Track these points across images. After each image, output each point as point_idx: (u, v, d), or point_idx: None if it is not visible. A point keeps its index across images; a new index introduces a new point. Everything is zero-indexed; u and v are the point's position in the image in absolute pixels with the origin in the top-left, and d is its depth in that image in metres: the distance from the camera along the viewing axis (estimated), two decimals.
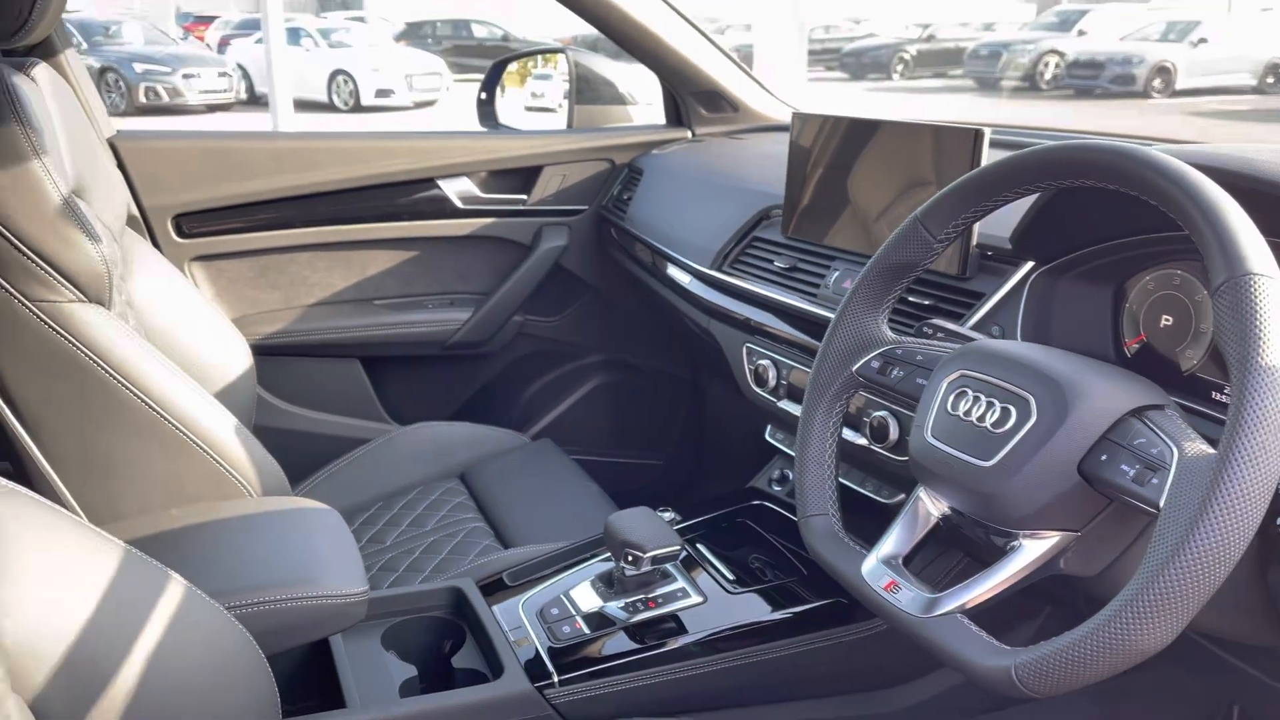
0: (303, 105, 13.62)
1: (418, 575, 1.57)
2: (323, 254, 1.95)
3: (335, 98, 14.13)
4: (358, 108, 13.85)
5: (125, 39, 14.81)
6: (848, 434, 1.20)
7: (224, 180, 1.85)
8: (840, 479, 1.02)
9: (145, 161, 1.79)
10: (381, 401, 2.05)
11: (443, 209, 1.99)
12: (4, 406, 1.15)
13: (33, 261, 1.13)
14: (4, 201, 1.11)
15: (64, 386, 1.16)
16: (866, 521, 1.09)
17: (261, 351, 1.90)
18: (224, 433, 1.26)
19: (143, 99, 13.10)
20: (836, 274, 1.38)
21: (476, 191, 2.02)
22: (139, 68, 13.29)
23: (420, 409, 2.04)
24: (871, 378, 1.00)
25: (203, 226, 1.86)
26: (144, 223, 1.80)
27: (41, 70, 1.44)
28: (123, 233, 1.60)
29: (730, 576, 1.34)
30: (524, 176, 2.04)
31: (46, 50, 1.63)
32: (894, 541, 0.93)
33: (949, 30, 17.55)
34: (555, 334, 2.16)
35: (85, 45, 13.68)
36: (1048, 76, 13.93)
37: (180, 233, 1.85)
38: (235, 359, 1.67)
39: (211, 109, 13.47)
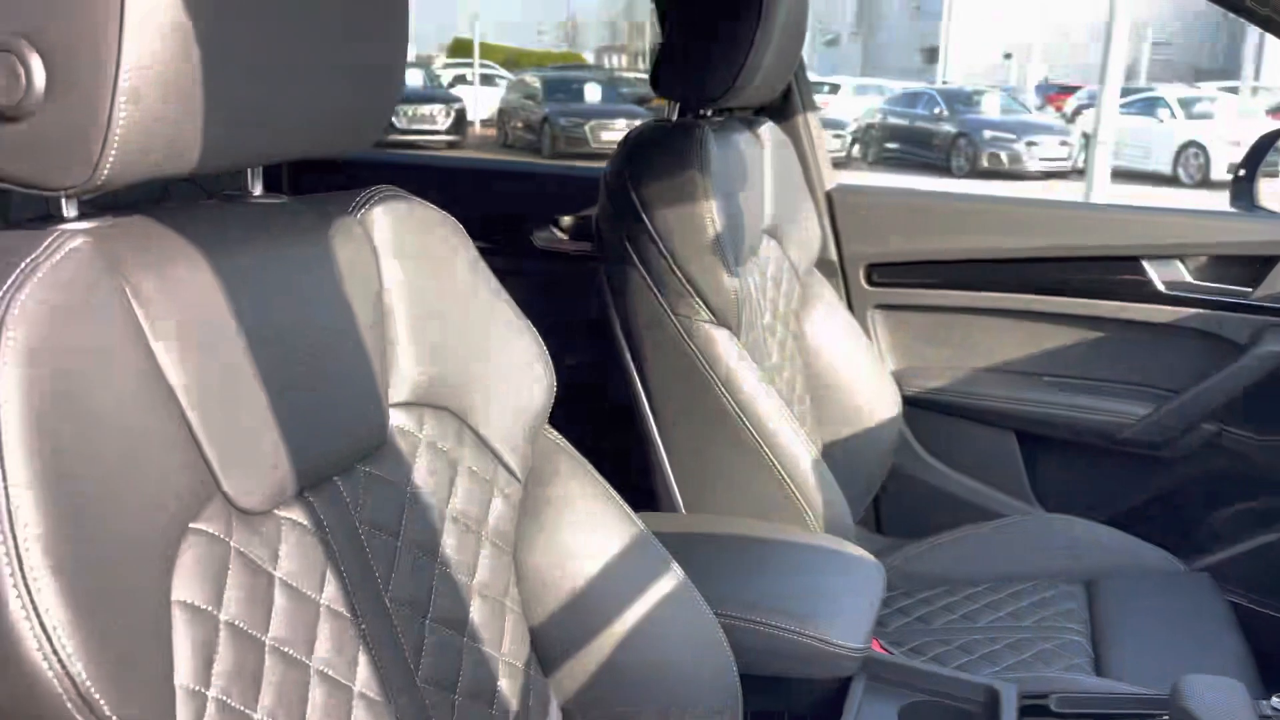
0: (1141, 177, 13.09)
1: (989, 666, 1.48)
2: (999, 320, 1.92)
3: (1181, 171, 13.27)
4: (1204, 182, 12.81)
5: (984, 108, 15.86)
6: None
7: (920, 236, 1.93)
8: None
9: (854, 212, 1.97)
10: (1030, 481, 1.94)
11: (1141, 292, 1.80)
12: (641, 393, 1.40)
13: (682, 284, 1.36)
14: (672, 230, 1.35)
15: (684, 388, 1.37)
16: None
17: (918, 404, 1.95)
18: (802, 464, 1.35)
19: (985, 163, 13.92)
20: None
21: (1187, 277, 1.79)
22: (987, 134, 14.14)
23: (1069, 500, 1.88)
24: None
25: (891, 278, 1.98)
26: (840, 267, 1.98)
27: (766, 129, 1.69)
28: (809, 272, 1.80)
29: None
30: (1253, 267, 1.74)
31: (785, 111, 1.90)
32: None
33: None
34: (1260, 455, 1.79)
35: (946, 111, 15.01)
36: None
37: (869, 280, 1.99)
38: (884, 403, 1.76)
39: (1047, 175, 13.72)
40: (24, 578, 0.51)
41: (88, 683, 0.53)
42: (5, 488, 0.52)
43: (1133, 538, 1.72)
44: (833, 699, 1.26)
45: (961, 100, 15.95)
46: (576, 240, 2.05)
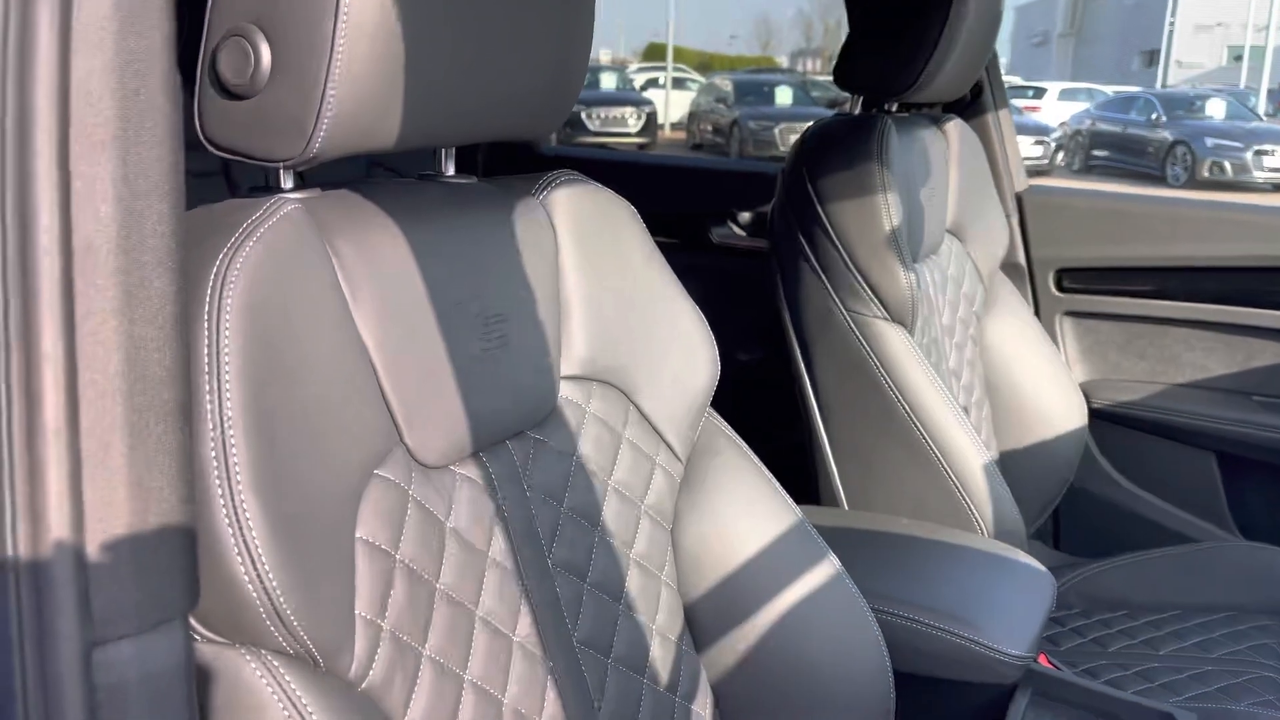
0: None
1: (1169, 695, 1.40)
2: (1203, 333, 1.80)
3: None
4: None
5: (1208, 113, 14.75)
6: None
7: (1114, 241, 1.84)
8: None
9: (1046, 215, 1.89)
10: (1230, 507, 1.81)
11: None
12: (809, 387, 1.40)
13: (855, 278, 1.35)
14: (848, 222, 1.35)
15: (853, 386, 1.36)
16: None
17: (1107, 417, 1.85)
18: (974, 469, 1.32)
19: (1205, 173, 12.94)
20: None
21: None
22: (1210, 142, 13.14)
23: (1273, 529, 1.74)
24: None
25: (1082, 284, 1.89)
26: (1028, 271, 1.91)
27: (954, 126, 1.65)
28: (995, 275, 1.74)
29: None
30: None
31: (975, 109, 1.84)
32: None
33: None
34: None
35: (1164, 117, 14.05)
36: None
37: (1059, 286, 1.91)
38: (1070, 415, 1.69)
39: (1276, 188, 12.61)
40: (232, 497, 0.58)
41: (281, 597, 0.59)
42: (222, 421, 0.59)
43: None
44: (993, 711, 1.23)
45: (1182, 105, 14.89)
46: (753, 236, 2.06)
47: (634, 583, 0.93)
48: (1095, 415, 1.84)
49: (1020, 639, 1.09)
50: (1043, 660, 1.29)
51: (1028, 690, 1.25)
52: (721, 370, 1.00)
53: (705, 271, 1.76)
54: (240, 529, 0.58)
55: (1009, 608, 1.14)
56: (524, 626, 0.81)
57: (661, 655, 0.94)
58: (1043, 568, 1.23)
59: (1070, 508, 1.86)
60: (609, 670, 0.88)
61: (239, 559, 0.58)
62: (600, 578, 0.89)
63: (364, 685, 0.67)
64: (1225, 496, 1.82)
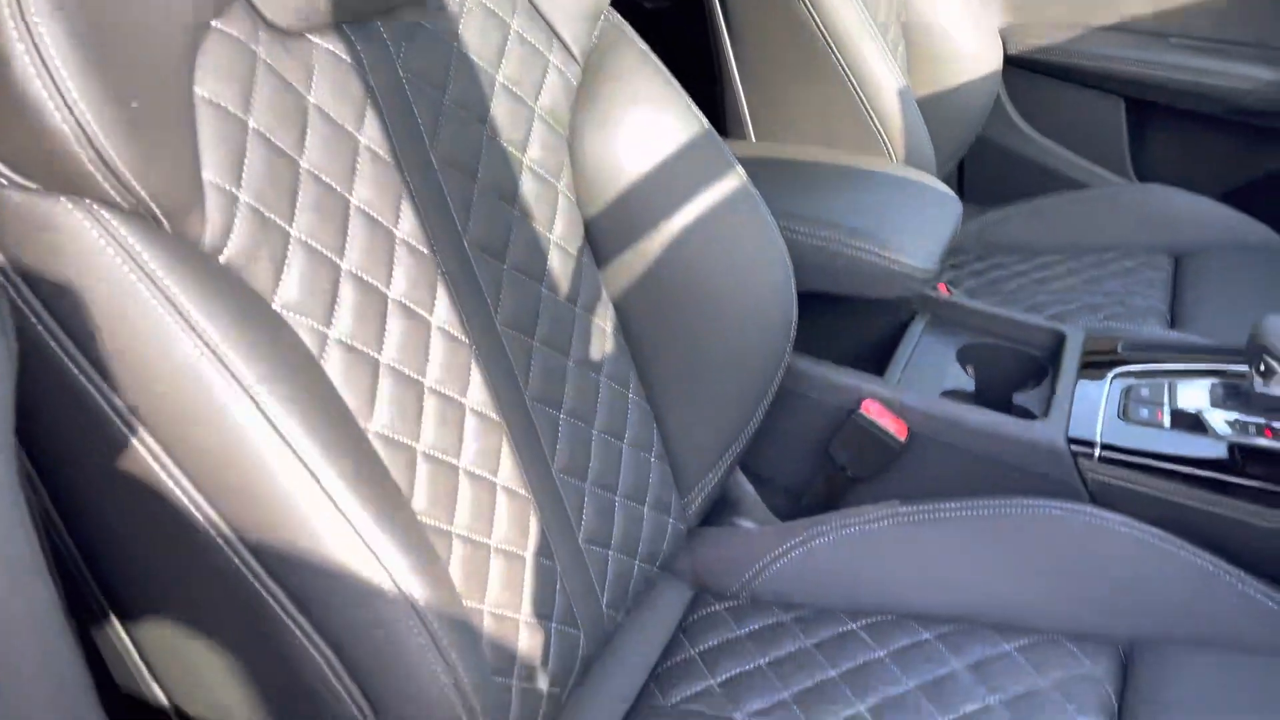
0: None
1: (1046, 310, 1.44)
2: None
3: None
4: None
5: None
6: None
7: None
8: None
9: None
10: (1133, 153, 1.81)
11: None
12: (719, 10, 1.30)
13: None
14: None
15: (768, 7, 1.26)
16: None
17: (1024, 64, 1.80)
18: (890, 100, 1.26)
19: None
20: None
21: None
22: None
23: (1173, 175, 1.75)
24: None
25: None
26: None
27: None
28: None
29: None
30: None
31: None
32: None
33: None
34: None
35: None
36: None
37: None
38: (983, 59, 1.63)
39: None
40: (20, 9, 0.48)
41: (101, 135, 0.51)
42: None
43: (1237, 212, 1.61)
44: (891, 334, 1.24)
45: None
46: None
47: (529, 188, 0.86)
48: (1010, 62, 1.78)
49: (924, 253, 1.08)
50: (941, 289, 1.30)
51: (925, 315, 1.27)
52: None
53: None
54: (36, 48, 0.49)
55: (914, 225, 1.13)
56: (408, 222, 0.75)
57: (560, 266, 0.89)
58: (950, 190, 1.20)
59: (975, 157, 1.84)
60: (505, 274, 0.83)
61: (38, 81, 0.49)
62: (492, 179, 0.83)
63: (223, 257, 0.60)
64: (1128, 142, 1.82)
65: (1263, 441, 0.98)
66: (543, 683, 0.80)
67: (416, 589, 0.61)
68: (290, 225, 0.65)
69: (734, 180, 0.98)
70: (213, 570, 0.58)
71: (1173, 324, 1.41)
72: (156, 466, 0.56)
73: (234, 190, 0.61)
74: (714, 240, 0.96)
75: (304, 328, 0.64)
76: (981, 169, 1.88)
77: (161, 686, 0.68)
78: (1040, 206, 1.69)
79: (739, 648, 0.95)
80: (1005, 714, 0.85)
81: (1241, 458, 0.98)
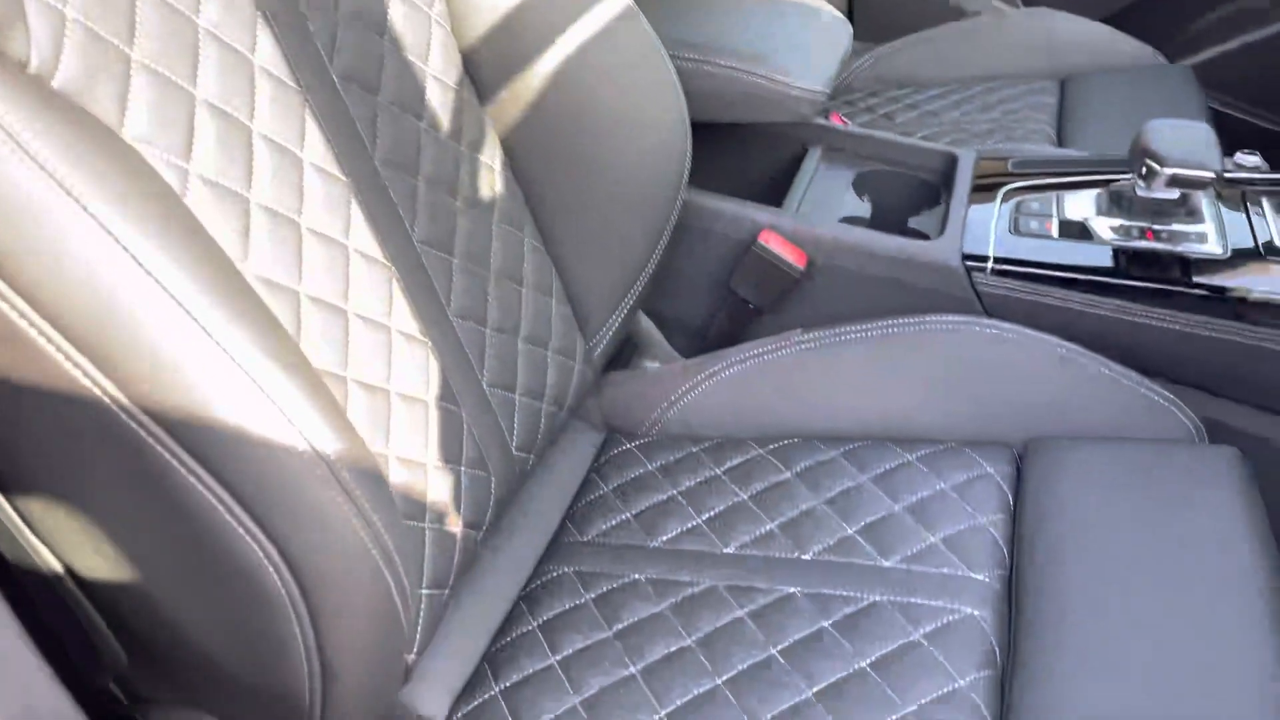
0: None
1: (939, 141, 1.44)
2: None
3: None
4: None
5: None
6: None
7: None
8: None
9: None
10: None
11: None
12: None
13: None
14: None
15: None
16: None
17: None
18: None
19: None
20: None
21: None
22: None
23: None
24: None
25: None
26: None
27: None
28: None
29: None
30: None
31: None
32: None
33: None
34: None
35: None
36: None
37: None
38: None
39: None
40: None
41: None
42: None
43: (1117, 31, 1.62)
44: (787, 166, 1.23)
45: None
46: None
47: (398, 15, 0.81)
48: None
49: (816, 76, 1.06)
50: (835, 119, 1.28)
51: (820, 146, 1.26)
52: None
53: None
54: None
55: (805, 49, 1.10)
56: (268, 47, 0.69)
57: (440, 99, 0.84)
58: (840, 15, 1.18)
59: None
60: (379, 107, 0.78)
61: None
62: (357, 6, 0.77)
63: (55, 83, 0.55)
64: None
65: (1144, 244, 1.01)
66: (455, 526, 0.80)
67: (319, 436, 0.59)
68: (130, 48, 0.59)
69: (619, 4, 0.93)
70: (105, 434, 0.54)
71: (1061, 145, 1.43)
72: (25, 324, 0.51)
73: (59, 6, 0.55)
74: (601, 70, 0.92)
75: (160, 161, 0.60)
76: (872, 2, 1.85)
77: (54, 552, 0.65)
78: (930, 37, 1.68)
79: (651, 481, 0.96)
80: (909, 519, 0.88)
81: (1125, 261, 1.01)
